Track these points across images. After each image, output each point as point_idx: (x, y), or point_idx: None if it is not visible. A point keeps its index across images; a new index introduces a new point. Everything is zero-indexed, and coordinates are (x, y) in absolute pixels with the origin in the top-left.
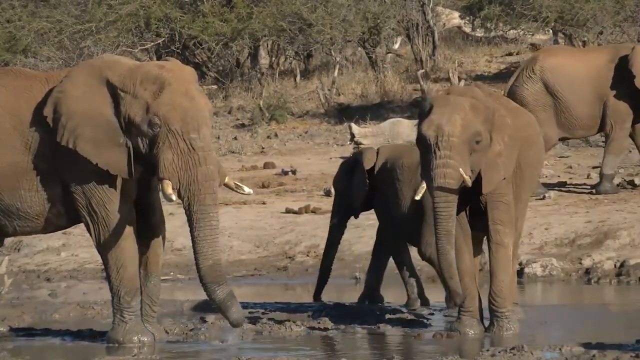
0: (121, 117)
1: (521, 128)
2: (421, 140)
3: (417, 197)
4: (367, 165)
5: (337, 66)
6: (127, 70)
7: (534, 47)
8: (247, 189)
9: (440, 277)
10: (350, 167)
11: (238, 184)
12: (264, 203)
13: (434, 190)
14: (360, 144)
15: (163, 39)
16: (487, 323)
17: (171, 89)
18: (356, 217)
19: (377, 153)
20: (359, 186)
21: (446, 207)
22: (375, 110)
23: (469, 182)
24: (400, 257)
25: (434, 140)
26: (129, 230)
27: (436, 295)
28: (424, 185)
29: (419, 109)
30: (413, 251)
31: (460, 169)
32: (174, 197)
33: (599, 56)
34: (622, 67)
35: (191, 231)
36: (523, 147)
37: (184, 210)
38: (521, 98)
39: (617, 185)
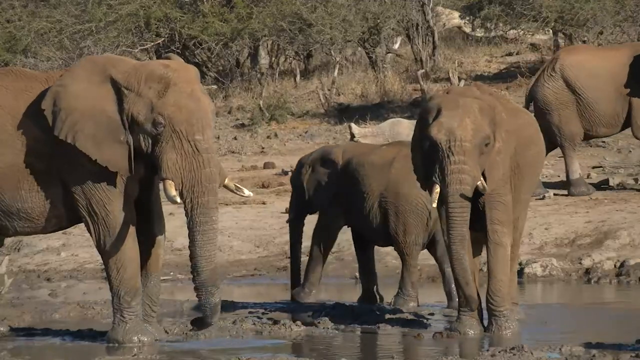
0: (124, 114)
1: (521, 128)
2: (431, 144)
3: (434, 205)
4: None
5: (337, 66)
6: (132, 68)
7: (534, 47)
8: (247, 192)
9: (455, 282)
10: (311, 163)
11: (238, 186)
12: (264, 203)
13: (449, 196)
14: None
15: (163, 39)
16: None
17: (176, 89)
18: (312, 213)
19: (342, 151)
20: (328, 184)
21: (461, 212)
22: (375, 110)
23: (486, 189)
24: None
25: (446, 144)
26: (129, 231)
27: (436, 295)
28: (438, 190)
29: (420, 109)
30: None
31: (482, 180)
32: (178, 199)
33: (619, 54)
34: (638, 65)
35: (191, 233)
36: (522, 146)
37: (184, 211)
38: (543, 97)
39: (618, 185)
